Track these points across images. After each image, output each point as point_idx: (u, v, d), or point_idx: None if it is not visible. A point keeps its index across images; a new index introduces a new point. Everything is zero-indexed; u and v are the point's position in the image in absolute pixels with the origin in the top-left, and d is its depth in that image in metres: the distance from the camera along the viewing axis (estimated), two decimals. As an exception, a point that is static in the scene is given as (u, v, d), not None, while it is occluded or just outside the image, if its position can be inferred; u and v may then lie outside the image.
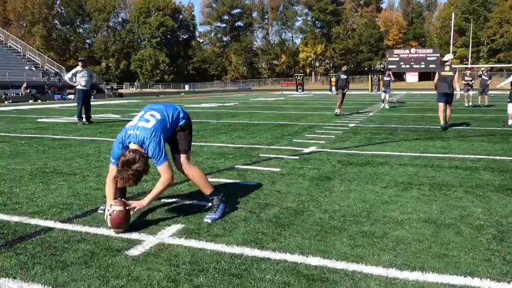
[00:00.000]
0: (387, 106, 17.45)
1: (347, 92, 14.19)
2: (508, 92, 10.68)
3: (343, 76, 13.75)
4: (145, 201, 3.24)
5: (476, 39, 72.28)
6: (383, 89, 17.84)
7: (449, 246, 2.83)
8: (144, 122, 3.28)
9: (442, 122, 9.45)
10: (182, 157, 3.47)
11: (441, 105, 9.58)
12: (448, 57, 9.93)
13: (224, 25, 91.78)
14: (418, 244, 2.87)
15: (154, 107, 3.45)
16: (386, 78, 17.98)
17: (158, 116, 3.32)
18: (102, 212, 3.58)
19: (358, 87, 57.61)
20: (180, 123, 3.45)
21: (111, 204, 3.11)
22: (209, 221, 3.34)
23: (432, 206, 3.71)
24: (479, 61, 71.40)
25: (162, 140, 3.24)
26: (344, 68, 14.15)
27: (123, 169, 3.07)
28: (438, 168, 5.33)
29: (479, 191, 4.20)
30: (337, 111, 13.71)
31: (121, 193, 3.73)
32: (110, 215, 3.07)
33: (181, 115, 3.49)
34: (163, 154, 3.22)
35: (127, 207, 3.12)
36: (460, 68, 51.00)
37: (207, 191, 3.50)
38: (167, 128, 3.34)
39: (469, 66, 60.14)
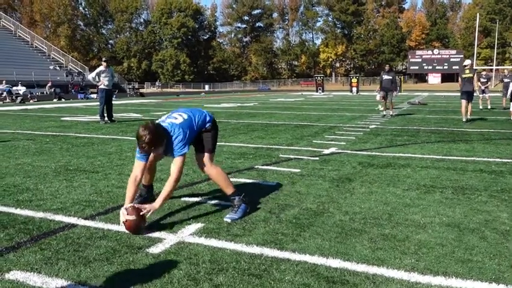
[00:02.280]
0: (380, 107, 17.27)
1: (394, 94, 13.70)
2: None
3: (386, 77, 13.36)
4: (157, 204, 3.26)
5: (501, 40, 70.52)
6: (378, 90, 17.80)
7: (473, 251, 2.77)
8: (172, 118, 3.42)
9: (464, 118, 11.40)
10: (206, 157, 3.52)
11: (463, 102, 11.43)
12: (467, 62, 12.00)
13: (244, 26, 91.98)
14: (441, 248, 2.82)
15: (181, 110, 3.58)
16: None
17: (185, 116, 3.45)
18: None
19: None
20: (206, 126, 3.53)
21: (124, 213, 3.12)
22: (229, 220, 3.35)
23: (456, 210, 3.64)
24: (504, 62, 69.68)
25: (188, 135, 3.33)
26: (387, 68, 13.71)
27: (142, 132, 3.17)
28: (462, 171, 5.22)
29: (504, 196, 4.09)
30: (384, 112, 13.69)
31: (147, 190, 3.87)
32: (124, 224, 3.10)
33: (208, 118, 3.59)
34: (185, 147, 3.30)
35: (141, 213, 3.12)
36: (481, 69, 49.96)
37: (229, 191, 3.54)
38: (194, 128, 3.43)
39: (494, 68, 58.86)
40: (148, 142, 3.15)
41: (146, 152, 3.28)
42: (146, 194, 3.88)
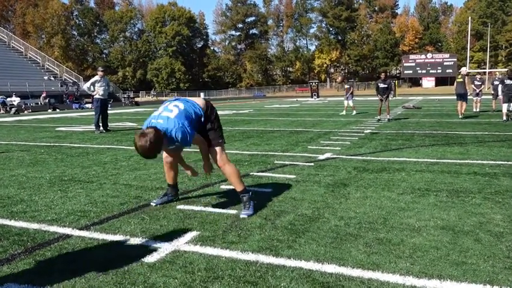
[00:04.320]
0: (344, 112, 17.61)
1: (389, 99, 14.09)
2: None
3: (381, 85, 13.82)
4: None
5: (494, 43, 71.17)
6: (347, 96, 18.08)
7: (467, 254, 2.78)
8: (168, 112, 3.46)
9: (460, 116, 13.82)
10: (218, 150, 3.66)
11: (459, 102, 14.08)
12: (462, 69, 14.88)
13: (238, 33, 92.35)
14: (436, 251, 2.83)
15: (178, 99, 3.67)
16: (347, 86, 18.37)
17: (182, 106, 3.52)
18: (154, 204, 4.00)
19: (373, 92, 57.24)
20: (205, 110, 3.65)
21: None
22: (245, 216, 3.59)
23: (450, 213, 3.65)
24: (497, 65, 70.23)
25: (187, 126, 3.38)
26: (383, 76, 14.18)
27: (138, 138, 3.23)
28: (456, 174, 5.25)
29: (498, 198, 4.12)
30: (378, 117, 13.93)
31: (172, 188, 4.10)
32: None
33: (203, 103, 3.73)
34: (190, 137, 3.39)
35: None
36: (475, 72, 50.45)
37: (239, 187, 3.73)
38: (192, 117, 3.49)
39: (487, 70, 59.27)
40: (145, 154, 3.26)
41: (149, 158, 3.37)
42: (172, 193, 4.08)
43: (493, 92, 18.09)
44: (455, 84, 14.43)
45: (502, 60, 73.08)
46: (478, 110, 17.25)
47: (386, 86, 13.79)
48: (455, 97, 14.52)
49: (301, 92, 71.19)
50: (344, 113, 17.56)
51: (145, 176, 5.45)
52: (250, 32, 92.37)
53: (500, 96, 14.01)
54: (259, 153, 7.26)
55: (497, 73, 20.61)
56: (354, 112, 17.56)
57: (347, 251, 2.85)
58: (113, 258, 2.81)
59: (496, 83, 17.62)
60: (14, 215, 3.82)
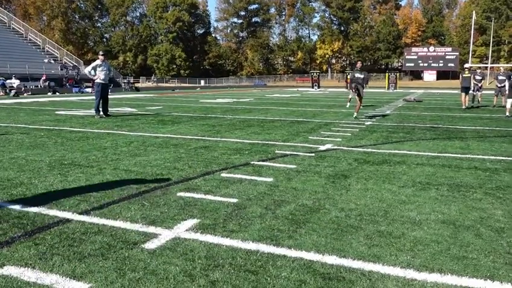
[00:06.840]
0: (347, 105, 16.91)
1: (362, 92, 12.16)
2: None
3: (357, 75, 12.03)
4: None
5: (497, 38, 70.73)
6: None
7: (468, 249, 2.77)
8: None
9: (463, 106, 15.74)
10: None
11: (463, 94, 15.94)
12: (467, 65, 16.80)
13: (241, 21, 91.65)
14: (436, 245, 2.82)
15: None
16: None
17: None
18: None
19: (375, 84, 56.96)
20: None
21: None
22: None
23: (451, 207, 3.65)
24: (499, 60, 69.91)
25: None
26: (359, 65, 12.51)
27: None
28: (457, 168, 5.24)
29: (499, 193, 4.11)
30: (355, 114, 12.52)
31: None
32: None
33: None
34: None
35: None
36: (476, 67, 50.27)
37: None
38: None
39: (489, 65, 59.08)
40: None
41: None
42: None
43: (498, 85, 17.89)
44: (461, 78, 16.44)
45: (504, 55, 72.70)
46: (479, 103, 17.27)
47: (362, 76, 11.77)
48: (460, 90, 16.53)
49: (301, 82, 70.85)
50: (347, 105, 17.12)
51: (145, 162, 5.43)
52: (253, 20, 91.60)
53: (507, 91, 13.68)
54: (259, 142, 7.24)
55: (501, 68, 20.32)
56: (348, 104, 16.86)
57: (347, 243, 2.84)
58: (113, 244, 2.80)
59: (501, 77, 17.44)
60: (14, 197, 3.81)
